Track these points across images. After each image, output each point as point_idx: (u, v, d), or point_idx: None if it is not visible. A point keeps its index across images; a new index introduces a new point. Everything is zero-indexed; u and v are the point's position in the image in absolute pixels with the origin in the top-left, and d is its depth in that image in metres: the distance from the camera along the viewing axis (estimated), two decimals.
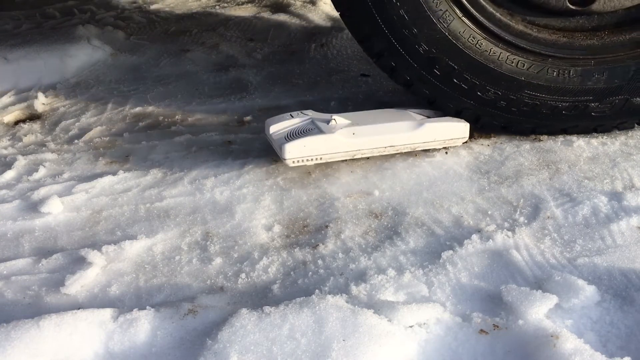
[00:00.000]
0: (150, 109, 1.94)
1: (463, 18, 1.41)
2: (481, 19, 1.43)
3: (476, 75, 1.44)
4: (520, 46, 1.45)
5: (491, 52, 1.43)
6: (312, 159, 1.40)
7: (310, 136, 1.39)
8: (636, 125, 1.56)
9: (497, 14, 1.45)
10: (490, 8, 1.44)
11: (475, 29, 1.42)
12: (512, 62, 1.44)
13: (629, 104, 1.47)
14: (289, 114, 1.51)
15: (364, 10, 1.40)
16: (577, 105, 1.47)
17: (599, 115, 1.49)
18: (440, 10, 1.38)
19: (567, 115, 1.49)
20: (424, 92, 1.50)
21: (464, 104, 1.49)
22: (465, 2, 1.41)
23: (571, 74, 1.45)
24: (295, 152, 1.38)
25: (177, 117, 1.86)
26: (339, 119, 1.45)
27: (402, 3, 1.37)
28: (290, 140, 1.39)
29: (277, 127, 1.46)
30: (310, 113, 1.51)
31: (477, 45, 1.42)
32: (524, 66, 1.44)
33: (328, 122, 1.45)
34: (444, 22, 1.39)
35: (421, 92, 1.51)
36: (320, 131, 1.41)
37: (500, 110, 1.49)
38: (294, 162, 1.39)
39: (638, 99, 1.46)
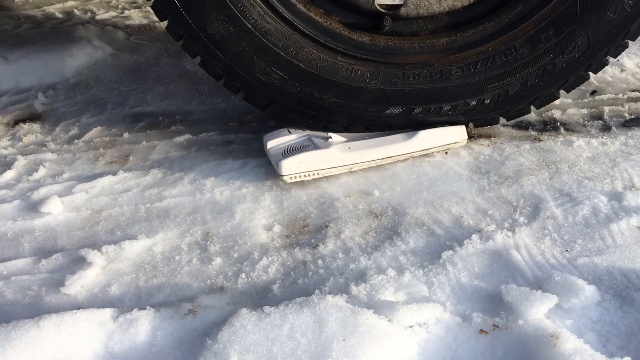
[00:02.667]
0: (150, 109, 1.94)
1: (402, 79, 1.44)
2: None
3: (433, 102, 1.46)
4: (456, 56, 1.44)
5: (442, 75, 1.44)
6: (309, 175, 1.41)
7: (306, 152, 1.41)
8: (630, 42, 1.45)
9: (436, 40, 1.45)
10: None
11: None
12: (458, 73, 1.44)
13: (593, 37, 1.40)
14: (286, 129, 1.52)
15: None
16: (546, 68, 1.43)
17: (575, 62, 1.43)
18: (371, 83, 1.42)
19: (541, 81, 1.45)
20: None
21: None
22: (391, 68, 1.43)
23: (517, 48, 1.42)
24: (292, 168, 1.39)
25: (177, 117, 1.86)
26: (335, 136, 1.47)
27: (337, 95, 1.43)
28: (287, 156, 1.40)
29: (275, 143, 1.48)
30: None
31: (416, 78, 1.45)
32: (470, 69, 1.43)
33: (324, 138, 1.46)
34: (373, 81, 1.43)
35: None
36: (316, 147, 1.43)
37: (481, 112, 1.50)
38: (291, 178, 1.40)
39: (598, 29, 1.38)
